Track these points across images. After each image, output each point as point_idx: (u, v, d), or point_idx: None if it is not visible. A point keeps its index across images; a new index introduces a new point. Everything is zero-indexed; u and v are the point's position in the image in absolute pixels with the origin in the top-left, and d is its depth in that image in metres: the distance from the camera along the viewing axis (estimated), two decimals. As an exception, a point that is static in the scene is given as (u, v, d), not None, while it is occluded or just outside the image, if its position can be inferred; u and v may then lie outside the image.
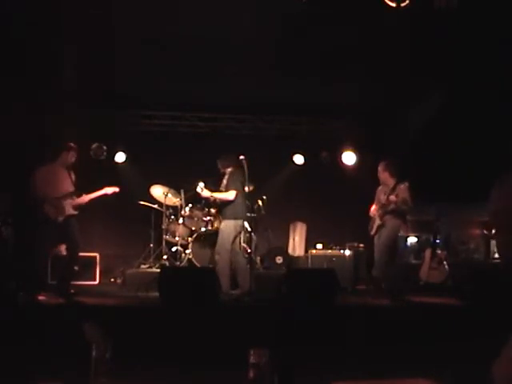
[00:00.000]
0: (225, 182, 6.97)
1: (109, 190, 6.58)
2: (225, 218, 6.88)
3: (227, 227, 6.78)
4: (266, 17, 6.09)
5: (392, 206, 6.55)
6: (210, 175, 8.62)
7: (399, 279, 6.81)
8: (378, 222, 6.70)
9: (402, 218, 6.69)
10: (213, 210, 7.56)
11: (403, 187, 6.57)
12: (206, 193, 6.97)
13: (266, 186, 9.00)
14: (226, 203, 6.84)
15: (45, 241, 6.21)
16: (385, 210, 6.62)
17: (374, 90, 8.01)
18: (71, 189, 6.33)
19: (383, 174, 6.77)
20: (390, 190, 6.61)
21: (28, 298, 5.82)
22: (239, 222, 6.85)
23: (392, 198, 6.49)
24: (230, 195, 6.75)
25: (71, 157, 6.45)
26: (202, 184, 6.98)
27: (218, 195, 6.97)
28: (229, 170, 6.99)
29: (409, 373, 4.35)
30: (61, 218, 6.16)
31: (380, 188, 6.84)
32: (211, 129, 9.39)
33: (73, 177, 6.46)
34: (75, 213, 6.31)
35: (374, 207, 6.82)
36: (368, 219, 6.91)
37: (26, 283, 6.06)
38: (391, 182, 6.69)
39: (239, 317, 5.44)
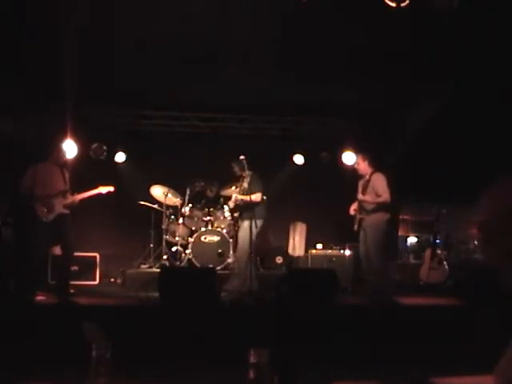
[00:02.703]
0: (246, 185, 7.05)
1: (103, 190, 6.56)
2: (248, 218, 6.89)
3: (249, 226, 6.84)
4: (266, 16, 6.09)
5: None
6: (209, 175, 8.67)
7: (389, 280, 6.69)
8: (358, 215, 6.62)
9: (381, 210, 6.47)
10: (235, 214, 7.56)
11: (376, 177, 6.51)
12: (238, 198, 7.20)
13: (265, 186, 8.99)
14: (249, 205, 6.88)
15: (38, 240, 6.19)
16: (360, 203, 6.56)
17: (374, 90, 8.00)
18: (63, 187, 6.31)
19: (363, 164, 6.66)
20: (365, 181, 6.55)
21: (28, 298, 5.82)
22: (260, 221, 7.02)
23: (362, 198, 6.44)
24: (258, 197, 6.92)
25: (62, 155, 6.45)
26: (234, 194, 7.37)
27: (248, 198, 6.96)
28: (247, 172, 7.07)
29: (408, 373, 4.36)
30: (51, 217, 6.14)
31: (360, 182, 6.75)
32: (211, 129, 9.38)
33: (67, 175, 6.43)
34: (66, 211, 6.27)
35: (352, 205, 6.72)
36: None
37: (25, 283, 6.05)
38: (368, 172, 6.62)
39: (239, 317, 5.44)
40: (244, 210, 7.18)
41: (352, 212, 6.66)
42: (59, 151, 6.43)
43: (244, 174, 7.16)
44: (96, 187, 6.56)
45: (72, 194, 6.39)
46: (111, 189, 6.66)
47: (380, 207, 6.45)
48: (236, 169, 7.25)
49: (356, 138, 9.16)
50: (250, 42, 6.49)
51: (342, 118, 9.23)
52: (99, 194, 6.56)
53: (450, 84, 7.41)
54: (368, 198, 6.43)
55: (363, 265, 6.68)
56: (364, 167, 6.65)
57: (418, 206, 9.68)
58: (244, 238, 6.95)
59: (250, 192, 6.93)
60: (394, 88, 7.80)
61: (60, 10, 5.75)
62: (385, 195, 6.41)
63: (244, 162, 7.14)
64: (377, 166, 6.69)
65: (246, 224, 6.98)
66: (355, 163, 6.78)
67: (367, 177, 6.58)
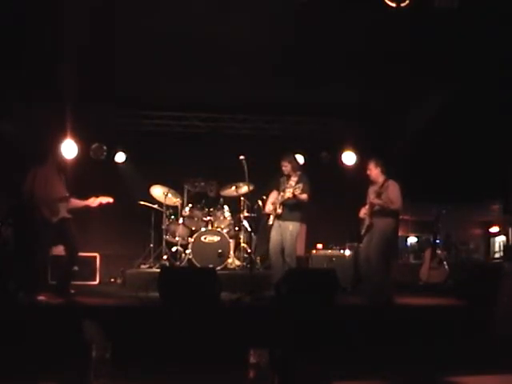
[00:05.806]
0: (293, 183, 6.85)
1: (103, 200, 6.53)
2: (294, 219, 6.86)
3: (296, 229, 6.86)
4: (266, 17, 6.09)
5: (377, 207, 6.48)
6: (209, 175, 8.67)
7: (389, 280, 6.65)
8: (367, 221, 6.61)
9: (392, 217, 6.46)
10: (279, 210, 7.03)
11: (391, 185, 6.49)
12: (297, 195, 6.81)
13: (265, 186, 8.99)
14: (296, 205, 6.81)
15: (42, 241, 6.18)
16: (372, 208, 6.54)
17: (374, 90, 8.00)
18: (64, 193, 6.30)
19: (375, 171, 6.62)
20: (378, 187, 6.54)
21: (28, 298, 5.82)
22: (300, 225, 7.02)
23: (376, 201, 6.43)
24: (306, 197, 6.81)
25: (60, 160, 6.42)
26: (289, 190, 6.86)
27: (301, 196, 6.80)
28: (298, 173, 6.99)
29: (408, 373, 4.37)
30: (55, 220, 6.14)
31: (371, 187, 6.74)
32: (211, 129, 9.39)
33: (63, 182, 6.38)
34: (69, 216, 6.27)
35: (363, 209, 6.71)
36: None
37: (25, 283, 6.05)
38: (381, 179, 6.60)
39: (239, 317, 5.44)
40: (291, 209, 6.86)
41: (362, 215, 6.65)
42: (55, 156, 6.39)
43: (292, 174, 6.97)
44: (97, 196, 6.51)
45: (74, 199, 6.36)
46: (110, 200, 6.59)
47: (391, 213, 6.46)
48: (288, 168, 6.95)
49: (356, 138, 9.18)
50: (250, 42, 6.50)
51: (342, 118, 9.23)
52: (100, 205, 6.51)
53: (450, 84, 7.41)
54: (382, 202, 6.41)
55: (362, 269, 6.67)
56: (376, 174, 6.61)
57: (418, 206, 9.67)
58: (293, 240, 6.84)
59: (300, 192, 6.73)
60: (393, 88, 7.80)
61: (60, 9, 5.76)
62: (398, 203, 6.43)
63: (297, 161, 7.12)
64: (388, 172, 6.65)
65: (292, 227, 6.83)
66: (367, 169, 6.73)
67: (380, 184, 6.54)
